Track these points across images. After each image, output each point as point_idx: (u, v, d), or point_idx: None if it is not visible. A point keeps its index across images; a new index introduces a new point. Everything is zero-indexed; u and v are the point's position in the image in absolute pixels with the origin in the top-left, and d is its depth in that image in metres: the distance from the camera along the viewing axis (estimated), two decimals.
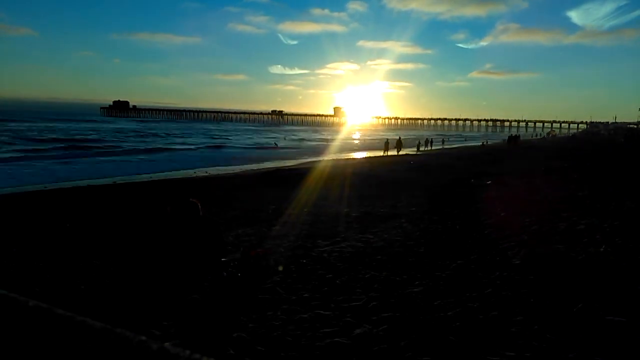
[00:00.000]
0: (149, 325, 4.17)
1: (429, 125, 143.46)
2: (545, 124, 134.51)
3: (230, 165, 28.67)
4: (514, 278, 5.21)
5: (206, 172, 23.65)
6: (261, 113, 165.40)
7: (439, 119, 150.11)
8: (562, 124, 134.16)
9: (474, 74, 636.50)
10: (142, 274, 5.68)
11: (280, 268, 6.00)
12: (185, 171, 24.19)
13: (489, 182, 14.33)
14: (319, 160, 28.95)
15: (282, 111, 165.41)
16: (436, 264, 5.95)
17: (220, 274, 5.39)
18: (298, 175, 18.04)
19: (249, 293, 5.19)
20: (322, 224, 8.83)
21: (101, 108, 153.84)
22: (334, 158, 30.96)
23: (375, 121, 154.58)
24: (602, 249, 6.01)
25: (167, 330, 4.19)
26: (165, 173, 23.12)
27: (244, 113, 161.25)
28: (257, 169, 24.47)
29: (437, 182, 15.15)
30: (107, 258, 6.65)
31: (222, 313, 4.69)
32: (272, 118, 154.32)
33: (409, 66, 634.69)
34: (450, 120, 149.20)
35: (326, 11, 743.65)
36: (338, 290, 5.18)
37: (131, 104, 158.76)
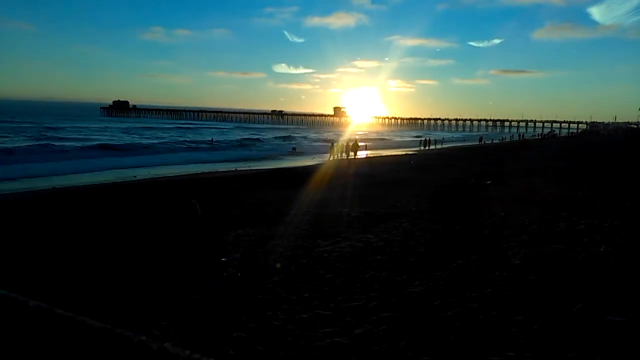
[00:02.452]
0: (149, 325, 4.17)
1: (428, 125, 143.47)
2: (545, 124, 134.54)
3: (231, 164, 28.75)
4: (514, 278, 5.21)
5: (206, 172, 23.66)
6: (261, 113, 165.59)
7: (439, 119, 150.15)
8: (562, 124, 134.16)
9: (495, 72, 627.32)
10: (142, 274, 5.68)
11: (278, 265, 6.00)
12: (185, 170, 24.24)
13: (489, 182, 14.33)
14: (320, 161, 28.97)
15: (282, 111, 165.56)
16: (436, 264, 5.95)
17: (220, 274, 5.40)
18: (298, 175, 18.06)
19: (249, 293, 5.19)
20: (322, 224, 8.83)
21: (101, 108, 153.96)
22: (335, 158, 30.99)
23: (375, 121, 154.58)
24: (602, 249, 6.01)
25: (167, 330, 4.19)
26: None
27: (244, 113, 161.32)
28: (257, 169, 24.47)
29: (437, 182, 15.15)
30: (107, 258, 6.65)
31: (222, 313, 4.69)
32: (272, 118, 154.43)
33: (435, 63, 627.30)
34: (450, 120, 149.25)
35: (358, 3, 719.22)
36: (338, 290, 5.18)
37: (131, 103, 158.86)
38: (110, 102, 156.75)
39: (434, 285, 5.17)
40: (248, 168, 25.69)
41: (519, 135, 75.40)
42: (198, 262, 5.18)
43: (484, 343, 3.72)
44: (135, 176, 22.05)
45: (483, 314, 4.30)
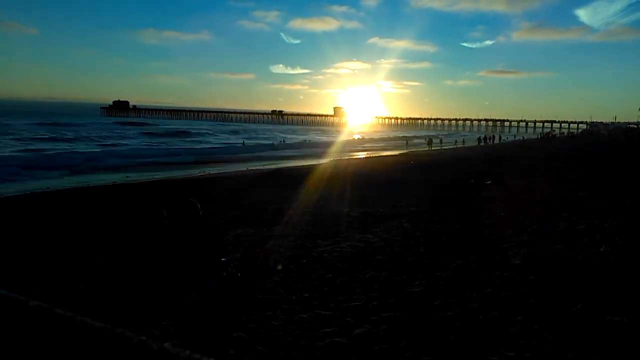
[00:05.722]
0: (149, 325, 4.17)
1: (428, 125, 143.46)
2: (545, 124, 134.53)
3: (231, 164, 28.76)
4: (514, 278, 5.21)
5: (206, 172, 23.66)
6: (261, 113, 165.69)
7: (439, 119, 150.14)
8: (562, 124, 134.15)
9: (483, 73, 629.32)
10: (142, 274, 5.67)
11: (279, 266, 6.00)
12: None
13: (489, 182, 14.33)
14: (320, 161, 28.98)
15: (282, 111, 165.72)
16: (436, 264, 5.95)
17: (220, 274, 5.40)
18: (298, 175, 18.05)
19: (249, 293, 5.19)
20: (322, 224, 8.83)
21: (101, 108, 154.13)
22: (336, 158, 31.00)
23: (375, 121, 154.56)
24: (602, 249, 6.01)
25: (167, 330, 4.19)
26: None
27: (244, 113, 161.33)
28: (257, 169, 24.48)
29: (437, 182, 15.15)
30: (107, 258, 6.65)
31: (222, 313, 4.69)
32: (272, 118, 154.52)
33: (422, 65, 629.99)
34: (450, 120, 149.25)
35: (344, 8, 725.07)
36: (338, 290, 5.18)
37: (131, 103, 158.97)
38: (111, 102, 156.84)
39: (434, 285, 5.17)
40: (247, 168, 25.69)
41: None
42: (198, 262, 5.18)
43: (484, 343, 3.72)
44: (127, 176, 22.06)
45: (483, 314, 4.30)
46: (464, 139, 61.37)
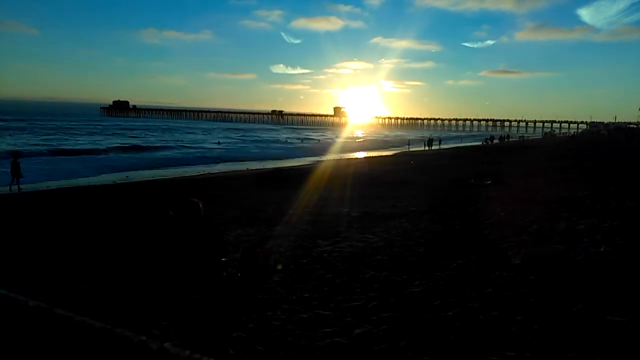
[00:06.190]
0: (149, 325, 4.17)
1: (428, 125, 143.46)
2: (545, 124, 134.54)
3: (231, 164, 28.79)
4: (514, 278, 5.21)
5: (206, 172, 23.68)
6: (261, 113, 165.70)
7: (439, 119, 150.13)
8: (562, 124, 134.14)
9: (484, 73, 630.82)
10: (142, 274, 5.67)
11: (280, 266, 6.00)
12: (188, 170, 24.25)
13: (489, 182, 14.33)
14: (320, 161, 28.98)
15: (282, 111, 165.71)
16: (436, 264, 5.95)
17: (220, 274, 5.40)
18: (298, 175, 18.06)
19: (249, 293, 5.19)
20: (322, 224, 8.83)
21: (101, 108, 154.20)
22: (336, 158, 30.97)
23: (375, 121, 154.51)
24: (602, 249, 6.01)
25: (167, 330, 4.19)
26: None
27: (244, 113, 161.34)
28: (257, 169, 24.47)
29: (437, 182, 15.15)
30: (107, 258, 6.65)
31: (222, 313, 4.69)
32: (272, 118, 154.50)
33: (424, 65, 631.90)
34: (450, 120, 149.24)
35: (348, 7, 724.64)
36: (338, 290, 5.17)
37: (131, 103, 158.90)
38: (111, 102, 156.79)
39: (434, 285, 5.17)
40: (247, 168, 25.70)
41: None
42: (198, 262, 5.18)
43: (484, 343, 3.72)
44: (127, 176, 22.08)
45: (483, 314, 4.29)
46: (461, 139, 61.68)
